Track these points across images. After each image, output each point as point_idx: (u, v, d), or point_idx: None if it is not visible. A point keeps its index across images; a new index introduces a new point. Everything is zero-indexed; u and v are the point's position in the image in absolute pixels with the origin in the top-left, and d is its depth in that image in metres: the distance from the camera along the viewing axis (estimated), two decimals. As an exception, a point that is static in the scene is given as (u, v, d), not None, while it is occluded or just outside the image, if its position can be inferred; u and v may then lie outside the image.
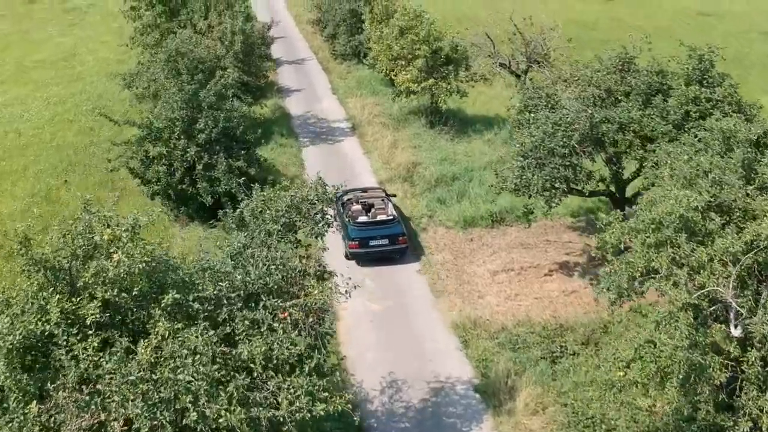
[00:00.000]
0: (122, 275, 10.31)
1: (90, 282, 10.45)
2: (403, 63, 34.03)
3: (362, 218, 24.23)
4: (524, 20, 34.42)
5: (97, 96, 39.71)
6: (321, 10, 52.99)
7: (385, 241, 23.31)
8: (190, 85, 25.51)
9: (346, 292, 11.81)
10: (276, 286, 11.22)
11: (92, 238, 10.82)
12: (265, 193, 13.72)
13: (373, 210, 24.94)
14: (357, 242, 23.11)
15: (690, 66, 22.38)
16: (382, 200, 25.59)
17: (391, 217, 24.26)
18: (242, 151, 25.93)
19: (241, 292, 11.07)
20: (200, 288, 10.97)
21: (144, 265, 10.36)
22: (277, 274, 11.36)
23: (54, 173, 30.10)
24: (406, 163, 30.56)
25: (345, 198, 25.56)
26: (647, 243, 13.63)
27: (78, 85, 41.91)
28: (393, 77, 34.93)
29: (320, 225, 13.06)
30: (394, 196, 26.91)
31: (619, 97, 22.86)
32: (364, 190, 26.90)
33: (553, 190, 20.44)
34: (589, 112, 20.73)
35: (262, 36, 34.57)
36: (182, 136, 24.75)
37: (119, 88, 33.84)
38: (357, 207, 24.86)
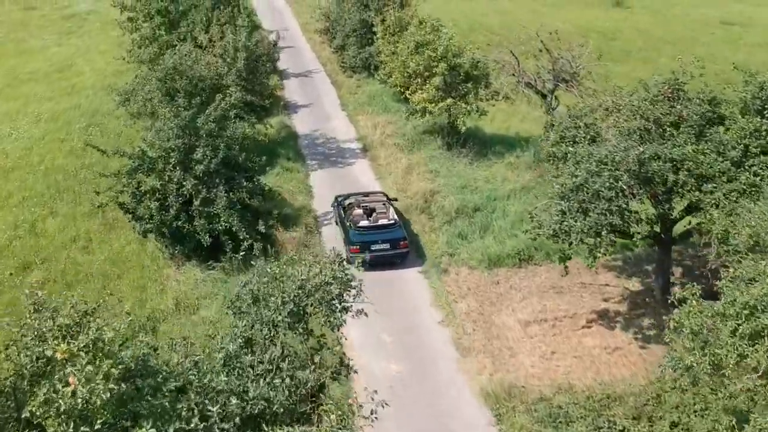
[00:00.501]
0: (80, 406, 7.79)
1: (39, 412, 7.94)
2: (419, 81, 31.48)
3: (363, 222, 23.95)
4: (551, 35, 31.80)
5: (92, 112, 37.16)
6: (329, 20, 50.42)
7: (387, 246, 23.07)
8: (187, 111, 23.00)
9: (372, 413, 9.21)
10: (282, 409, 8.70)
11: (43, 351, 8.29)
12: (270, 269, 11.11)
13: (374, 214, 24.63)
14: (358, 246, 22.68)
15: (749, 94, 19.81)
16: (384, 204, 25.32)
17: (393, 222, 24.05)
18: (244, 181, 23.44)
19: (237, 419, 8.54)
20: (183, 414, 8.42)
21: (108, 395, 7.81)
22: (283, 391, 8.84)
23: (40, 201, 27.55)
24: (423, 191, 27.97)
25: (346, 202, 25.43)
26: (740, 333, 11.07)
27: (72, 99, 39.37)
28: (408, 95, 32.39)
29: (337, 313, 10.48)
30: (396, 200, 26.53)
31: (668, 129, 20.30)
32: (366, 194, 26.58)
33: (599, 239, 17.84)
34: (640, 149, 18.11)
35: (268, 52, 31.89)
36: (178, 167, 22.21)
37: (115, 103, 31.31)
38: (358, 211, 24.59)
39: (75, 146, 32.82)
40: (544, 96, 30.25)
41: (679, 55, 23.12)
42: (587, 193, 17.93)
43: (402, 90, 34.17)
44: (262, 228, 22.63)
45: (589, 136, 20.38)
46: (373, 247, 22.72)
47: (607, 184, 17.79)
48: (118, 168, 22.97)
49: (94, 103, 38.37)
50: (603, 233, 17.65)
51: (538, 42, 30.56)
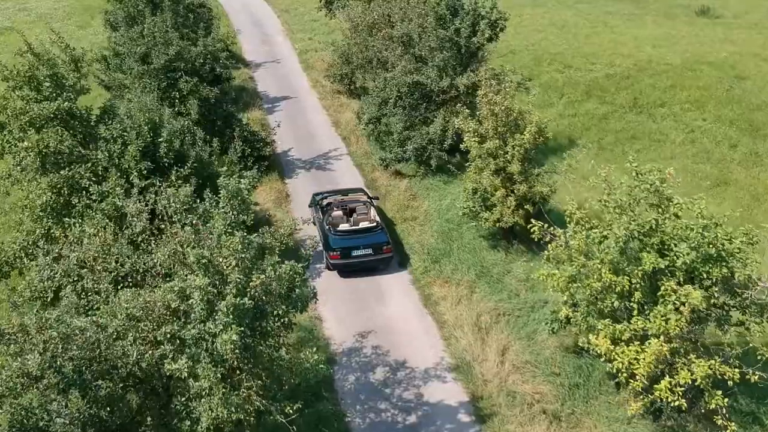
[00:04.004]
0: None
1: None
2: (612, 300, 13.81)
3: (343, 226, 20.87)
4: None
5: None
6: (348, 65, 32.30)
7: (369, 251, 20.09)
8: None
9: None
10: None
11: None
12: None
13: (354, 215, 21.60)
14: (338, 253, 20.07)
15: None
16: (365, 204, 22.08)
17: (375, 224, 20.84)
18: None
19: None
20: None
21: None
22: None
23: None
24: None
25: (324, 202, 22.14)
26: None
27: None
28: (587, 339, 14.61)
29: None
30: (377, 198, 23.45)
31: None
32: (345, 192, 23.17)
33: None
34: None
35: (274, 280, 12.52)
36: None
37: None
38: (338, 213, 21.56)
39: None
40: None
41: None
42: None
43: (556, 282, 16.35)
44: None
45: None
46: (354, 253, 20.02)
47: None
48: None
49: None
50: None
51: None
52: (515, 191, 19.98)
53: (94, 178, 16.79)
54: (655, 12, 53.25)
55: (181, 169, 17.53)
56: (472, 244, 21.52)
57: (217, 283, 10.50)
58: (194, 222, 11.18)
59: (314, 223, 22.06)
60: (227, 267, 10.27)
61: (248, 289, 10.33)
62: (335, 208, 21.69)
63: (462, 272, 20.19)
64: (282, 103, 33.56)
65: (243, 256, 10.24)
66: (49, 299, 15.31)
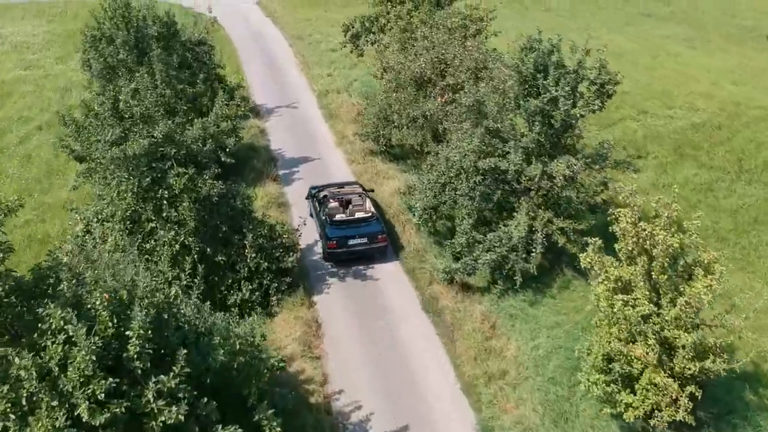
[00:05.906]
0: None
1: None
2: None
3: (340, 216, 20.77)
4: None
5: None
6: (387, 123, 25.10)
7: (364, 240, 20.10)
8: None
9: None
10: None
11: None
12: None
13: (350, 207, 21.45)
14: (335, 242, 19.92)
15: None
16: (360, 196, 21.90)
17: (370, 215, 20.83)
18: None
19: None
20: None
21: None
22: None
23: None
24: None
25: (321, 195, 21.95)
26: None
27: None
28: None
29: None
30: (372, 191, 23.16)
31: None
32: (341, 185, 22.85)
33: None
34: None
35: None
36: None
37: None
38: (334, 204, 21.46)
39: None
40: None
41: None
42: None
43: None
44: None
45: None
46: (351, 242, 19.95)
47: None
48: None
49: None
50: None
51: None
52: (676, 368, 12.76)
53: (12, 413, 9.57)
54: (715, 35, 45.97)
55: (165, 377, 10.31)
56: (596, 428, 14.26)
57: None
58: None
59: (311, 215, 22.11)
60: None
61: None
62: (332, 200, 21.62)
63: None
64: (302, 168, 26.32)
65: None
66: None
